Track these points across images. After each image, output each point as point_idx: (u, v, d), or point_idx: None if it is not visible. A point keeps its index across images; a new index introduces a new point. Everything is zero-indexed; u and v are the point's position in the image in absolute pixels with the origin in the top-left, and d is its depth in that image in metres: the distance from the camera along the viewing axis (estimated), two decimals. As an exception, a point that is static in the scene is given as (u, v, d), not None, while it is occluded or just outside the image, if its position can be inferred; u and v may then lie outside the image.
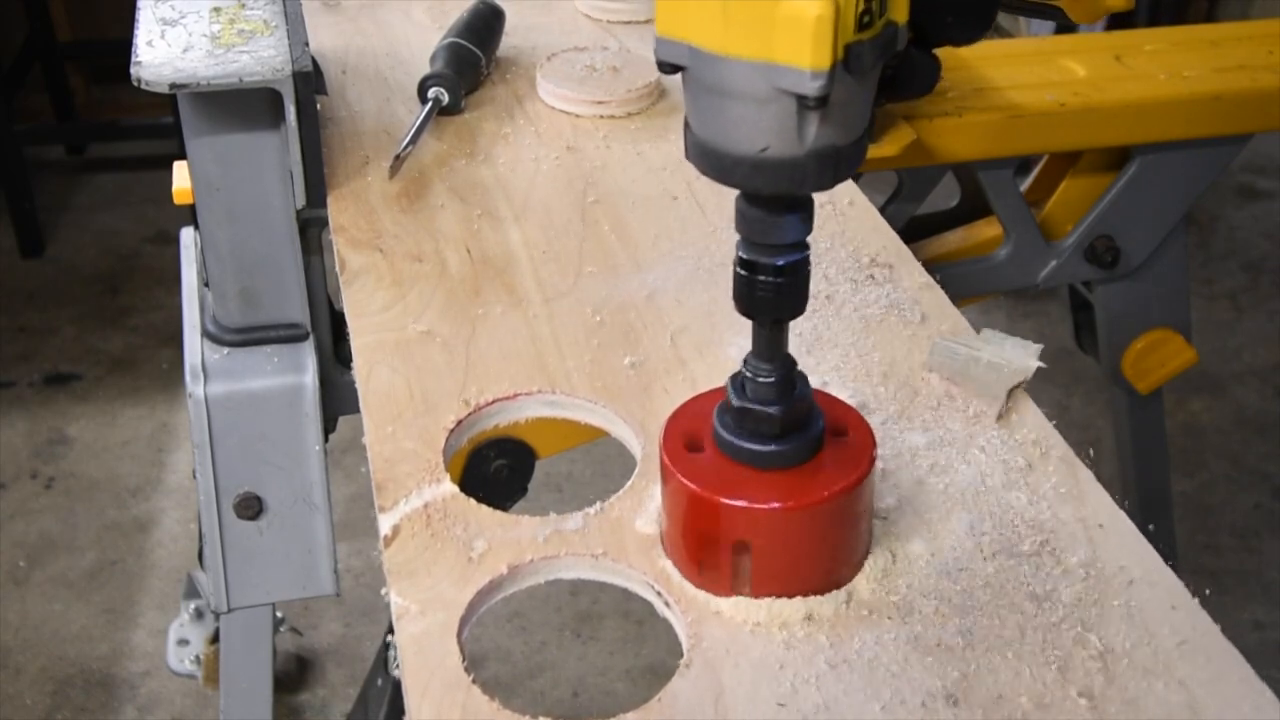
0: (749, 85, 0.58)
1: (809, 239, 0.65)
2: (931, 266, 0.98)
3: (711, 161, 0.62)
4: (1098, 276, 1.44)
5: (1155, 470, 1.65)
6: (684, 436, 0.70)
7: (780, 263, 0.64)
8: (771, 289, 0.65)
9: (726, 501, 0.67)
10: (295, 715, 1.97)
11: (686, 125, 0.63)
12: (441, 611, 0.68)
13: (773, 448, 0.67)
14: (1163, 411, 1.63)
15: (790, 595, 0.69)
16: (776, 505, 0.66)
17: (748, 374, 0.68)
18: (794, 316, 0.67)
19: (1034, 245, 1.39)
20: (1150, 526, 0.74)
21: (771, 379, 0.67)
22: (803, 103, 0.57)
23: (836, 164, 0.61)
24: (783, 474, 0.67)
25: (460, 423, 0.82)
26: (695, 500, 0.67)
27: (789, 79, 0.56)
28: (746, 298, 0.66)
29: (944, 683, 0.65)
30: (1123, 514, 0.75)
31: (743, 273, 0.65)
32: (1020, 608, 0.69)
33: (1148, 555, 0.73)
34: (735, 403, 0.68)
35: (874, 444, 0.69)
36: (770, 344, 0.67)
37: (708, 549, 0.68)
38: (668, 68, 0.60)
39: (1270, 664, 0.67)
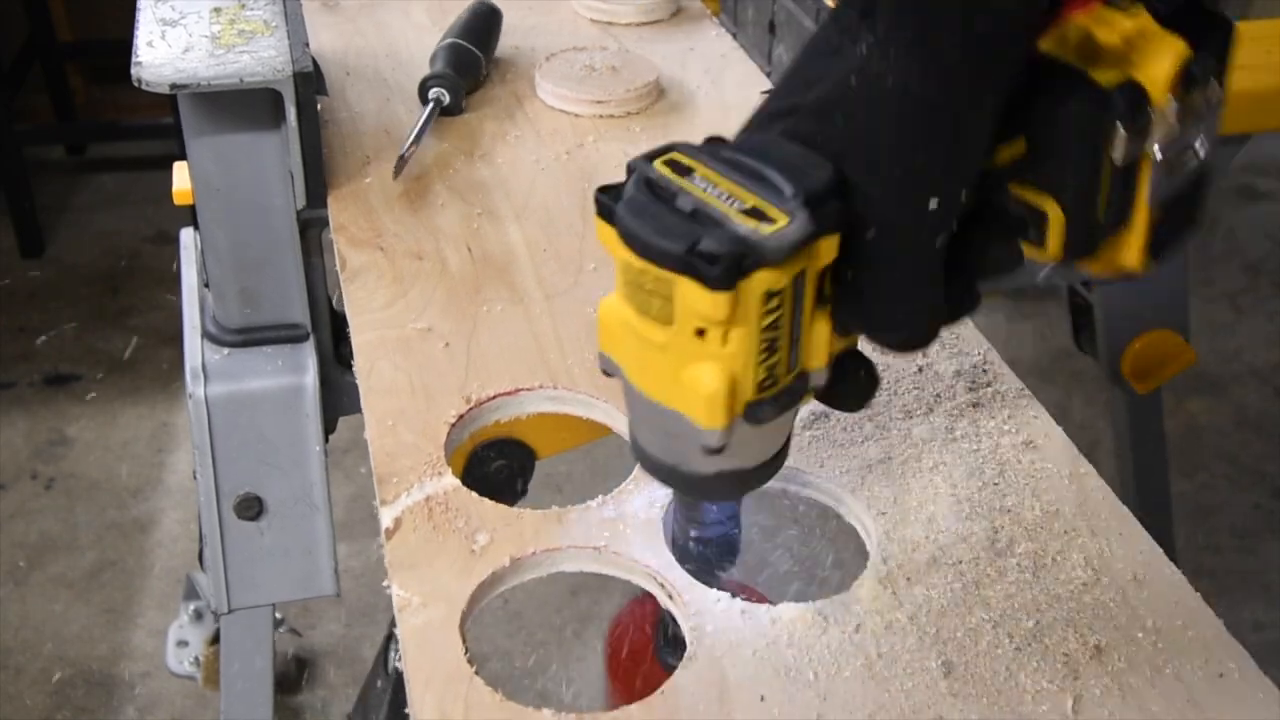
0: (659, 418, 0.61)
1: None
2: (931, 266, 0.98)
3: (638, 454, 0.66)
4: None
5: (1155, 470, 1.66)
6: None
7: (710, 535, 0.72)
8: (699, 556, 0.72)
9: None
10: (295, 715, 1.97)
11: None
12: (443, 604, 0.68)
13: None
14: (1162, 412, 1.63)
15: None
16: None
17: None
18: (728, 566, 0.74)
19: (1033, 245, 1.39)
20: (1149, 527, 0.75)
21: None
22: (702, 447, 0.60)
23: (744, 482, 0.65)
24: None
25: (461, 417, 0.82)
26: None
27: (689, 428, 0.59)
28: (680, 553, 0.72)
29: (945, 670, 0.65)
30: (1126, 509, 0.75)
31: (677, 537, 0.72)
32: (1021, 602, 0.70)
33: (1151, 550, 0.73)
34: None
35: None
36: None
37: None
38: (606, 373, 0.64)
39: (1270, 664, 0.67)
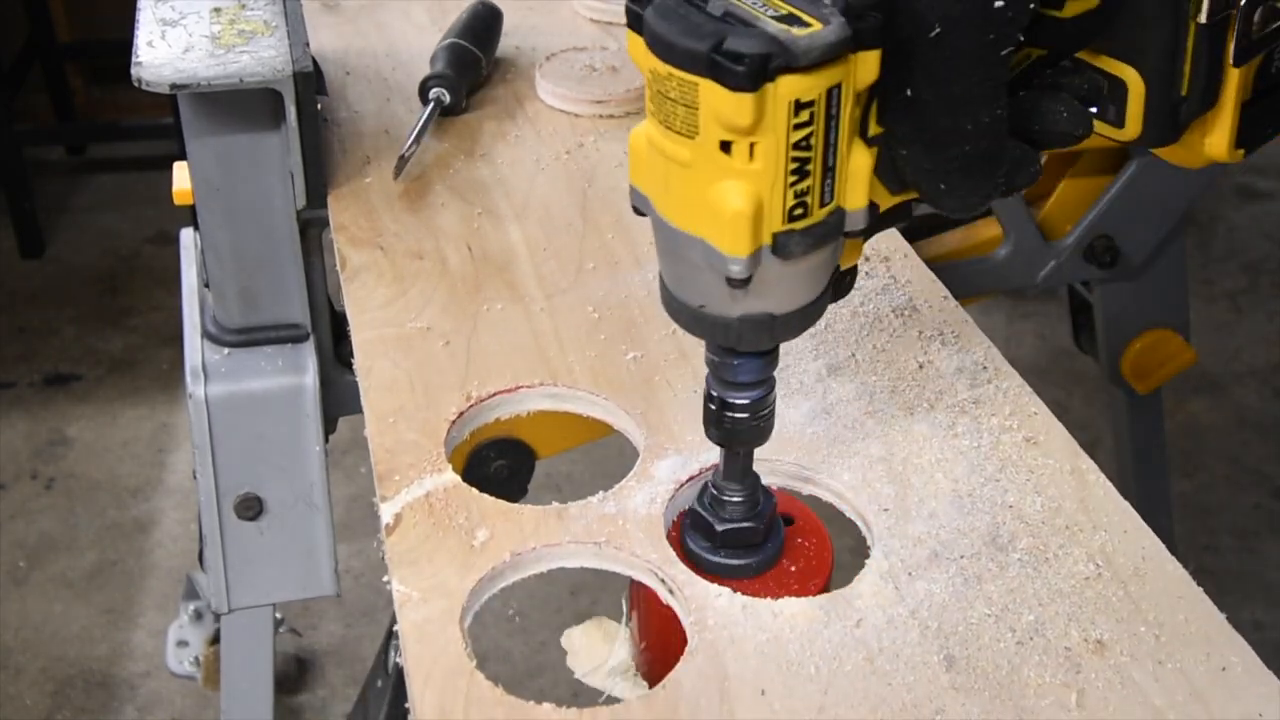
0: (687, 250, 0.59)
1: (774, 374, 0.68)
2: (931, 266, 0.98)
3: (665, 300, 0.65)
4: (1097, 276, 1.44)
5: (1154, 470, 1.66)
6: None
7: (742, 400, 0.67)
8: (738, 423, 0.68)
9: None
10: (295, 716, 1.97)
11: None
12: (444, 599, 0.68)
13: (746, 561, 0.72)
14: (1162, 411, 1.64)
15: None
16: None
17: (715, 493, 0.71)
18: (758, 445, 0.70)
19: (1033, 245, 1.39)
20: (1149, 527, 0.75)
21: (740, 499, 0.71)
22: (728, 279, 0.58)
23: (771, 329, 0.63)
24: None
25: (461, 415, 0.82)
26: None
27: (714, 257, 0.58)
28: (715, 429, 0.69)
29: (947, 664, 0.65)
30: (1127, 504, 0.76)
31: (711, 406, 0.68)
32: (1023, 596, 0.70)
33: (1152, 545, 0.73)
34: (715, 524, 0.71)
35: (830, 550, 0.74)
36: (739, 469, 0.71)
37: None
38: (637, 211, 0.62)
39: (1270, 664, 0.67)
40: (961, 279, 1.38)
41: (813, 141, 0.55)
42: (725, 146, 0.55)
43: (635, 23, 0.56)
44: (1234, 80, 0.59)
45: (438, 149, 1.12)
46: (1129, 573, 0.71)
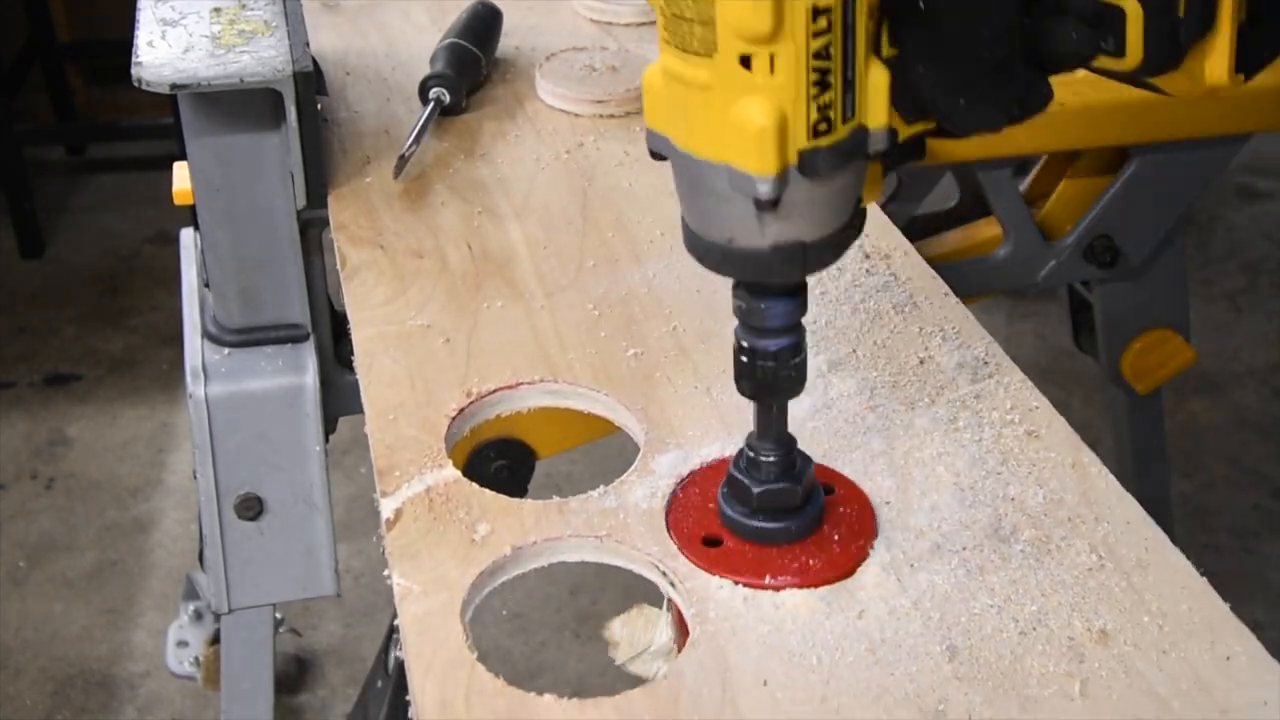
0: (713, 182, 0.60)
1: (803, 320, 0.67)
2: (932, 266, 0.98)
3: (691, 243, 0.65)
4: (1097, 276, 1.44)
5: (1154, 470, 1.65)
6: (696, 529, 0.73)
7: (773, 347, 0.67)
8: (768, 372, 0.67)
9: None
10: (295, 716, 1.97)
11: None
12: (444, 592, 0.68)
13: (787, 524, 0.71)
14: (1162, 411, 1.63)
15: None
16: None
17: (751, 455, 0.71)
18: (792, 397, 0.69)
19: (1033, 245, 1.39)
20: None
21: (775, 458, 0.70)
22: (756, 203, 0.59)
23: (804, 257, 0.63)
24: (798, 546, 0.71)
25: (462, 411, 0.82)
26: None
27: (741, 181, 0.58)
28: (747, 380, 0.68)
29: (950, 654, 0.66)
30: (1129, 496, 0.76)
31: (742, 358, 0.67)
32: (1026, 587, 0.70)
33: (1155, 536, 0.73)
34: (752, 487, 0.70)
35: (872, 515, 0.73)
36: (772, 423, 0.70)
37: None
38: (656, 155, 0.63)
39: (1271, 664, 0.67)
40: (961, 278, 1.37)
41: (831, 51, 0.56)
42: (745, 62, 0.55)
43: None
44: (1229, 6, 0.60)
45: (438, 149, 1.12)
46: (1132, 563, 0.71)
